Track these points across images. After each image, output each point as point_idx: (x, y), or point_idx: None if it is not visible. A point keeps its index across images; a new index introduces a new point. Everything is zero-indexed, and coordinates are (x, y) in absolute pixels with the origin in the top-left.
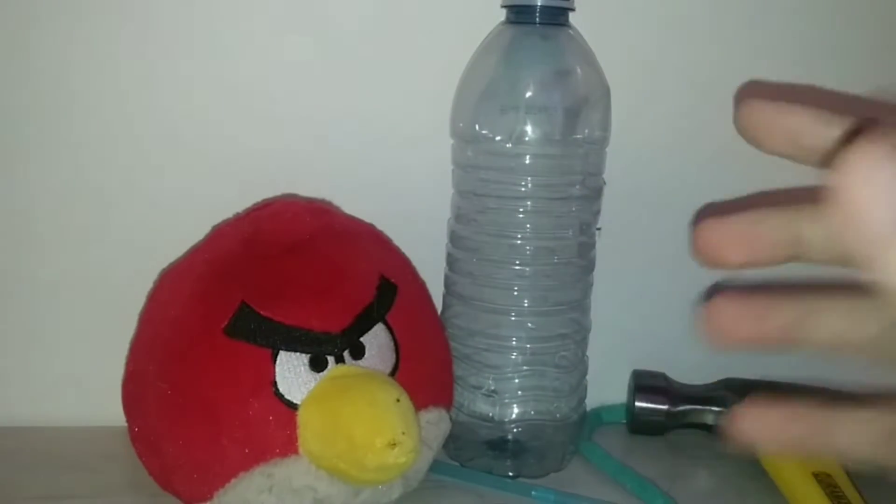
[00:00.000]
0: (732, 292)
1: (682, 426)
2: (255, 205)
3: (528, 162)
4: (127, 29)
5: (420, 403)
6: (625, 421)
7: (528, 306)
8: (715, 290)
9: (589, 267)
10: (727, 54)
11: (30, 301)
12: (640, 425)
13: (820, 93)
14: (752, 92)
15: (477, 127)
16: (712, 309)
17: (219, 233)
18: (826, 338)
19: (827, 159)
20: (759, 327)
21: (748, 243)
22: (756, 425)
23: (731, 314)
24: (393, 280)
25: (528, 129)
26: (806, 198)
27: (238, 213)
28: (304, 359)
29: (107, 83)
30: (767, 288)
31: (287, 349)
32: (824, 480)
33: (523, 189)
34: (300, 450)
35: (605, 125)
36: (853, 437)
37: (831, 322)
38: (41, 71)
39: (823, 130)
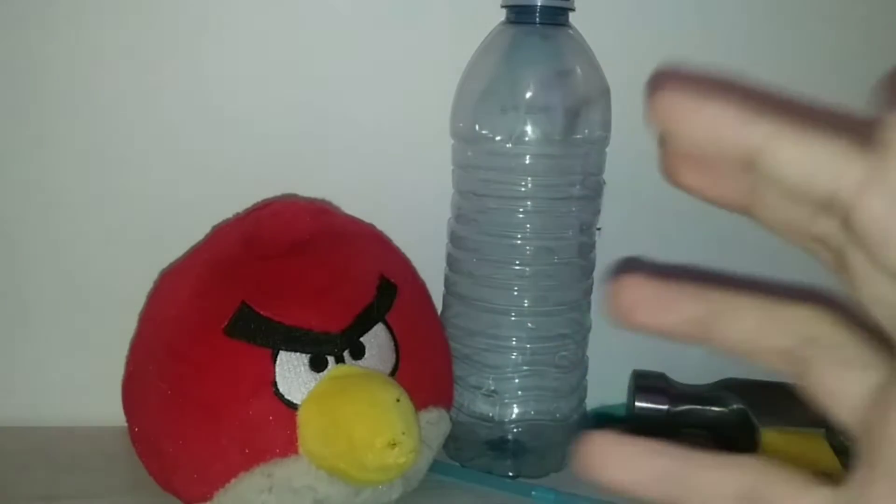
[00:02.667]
0: (643, 273)
1: (682, 426)
2: (255, 205)
3: (528, 162)
4: (126, 29)
5: (420, 403)
6: (625, 421)
7: (528, 306)
8: (626, 267)
9: (589, 267)
10: (727, 54)
11: (30, 301)
12: (640, 425)
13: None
14: (666, 79)
15: (477, 127)
16: (619, 287)
17: (219, 233)
18: (735, 340)
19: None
20: (666, 316)
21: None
22: (605, 460)
23: (638, 296)
24: (393, 280)
25: (528, 129)
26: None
27: (238, 213)
28: (304, 359)
29: (106, 83)
30: (682, 276)
31: (287, 349)
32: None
33: (523, 189)
34: (300, 450)
35: (605, 125)
36: (706, 492)
37: (743, 325)
38: (40, 72)
39: (742, 129)
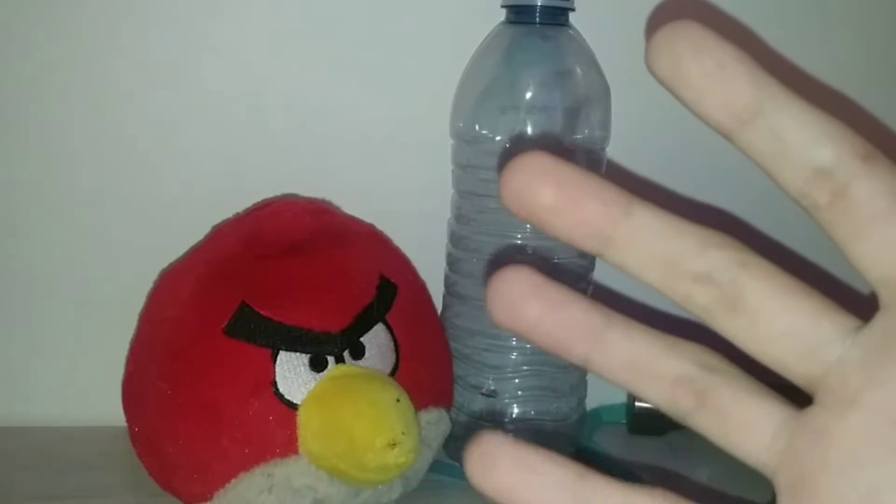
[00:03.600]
0: (529, 268)
1: (682, 426)
2: (255, 205)
3: None
4: (126, 30)
5: (420, 403)
6: (625, 421)
7: None
8: (509, 259)
9: (589, 267)
10: None
11: (30, 301)
12: (640, 425)
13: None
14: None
15: (477, 127)
16: (501, 278)
17: (219, 233)
18: (620, 362)
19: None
20: (549, 318)
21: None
22: (489, 468)
23: (520, 290)
24: (393, 280)
25: (528, 129)
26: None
27: (238, 213)
28: (304, 359)
29: (106, 84)
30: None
31: (287, 349)
32: None
33: None
34: (300, 450)
35: (605, 125)
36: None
37: (633, 346)
38: (40, 73)
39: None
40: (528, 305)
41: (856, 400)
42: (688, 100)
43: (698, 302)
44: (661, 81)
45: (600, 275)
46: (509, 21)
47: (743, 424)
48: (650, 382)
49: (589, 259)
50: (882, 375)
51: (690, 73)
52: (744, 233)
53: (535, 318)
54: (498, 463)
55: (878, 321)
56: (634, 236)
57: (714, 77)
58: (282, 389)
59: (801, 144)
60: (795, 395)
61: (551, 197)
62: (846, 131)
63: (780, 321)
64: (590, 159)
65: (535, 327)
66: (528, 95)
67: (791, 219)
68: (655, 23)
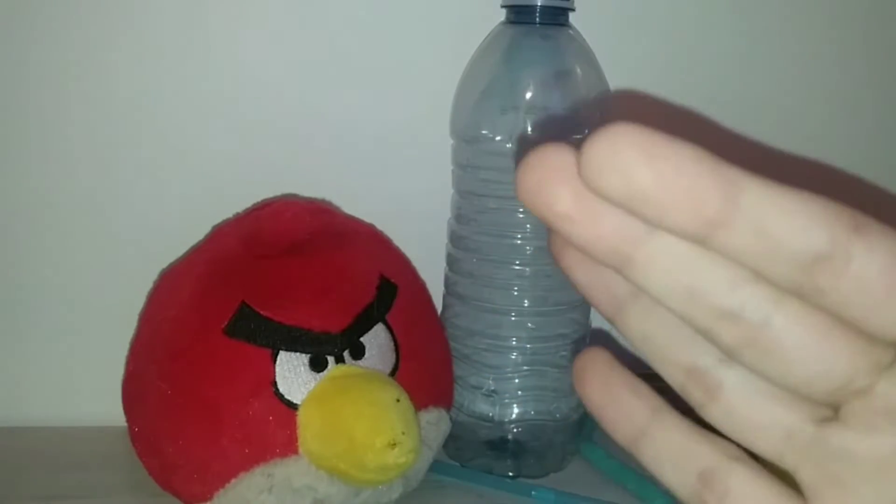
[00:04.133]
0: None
1: None
2: (255, 205)
3: None
4: (126, 31)
5: (420, 403)
6: None
7: (528, 306)
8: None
9: None
10: (727, 54)
11: (30, 301)
12: None
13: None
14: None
15: (477, 127)
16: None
17: (219, 233)
18: (638, 336)
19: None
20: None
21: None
22: (594, 380)
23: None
24: (393, 280)
25: (528, 129)
26: None
27: (238, 213)
28: (304, 359)
29: (106, 85)
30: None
31: (287, 349)
32: None
33: None
34: (300, 450)
35: (605, 125)
36: (672, 459)
37: (645, 324)
38: (40, 73)
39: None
40: (569, 251)
41: (879, 427)
42: (649, 216)
43: (723, 339)
44: (610, 200)
45: None
46: (509, 21)
47: (753, 424)
48: (666, 365)
49: None
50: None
51: (646, 186)
52: None
53: (570, 265)
54: (598, 380)
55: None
56: (657, 260)
57: (675, 185)
58: (282, 389)
59: (791, 235)
60: None
61: (568, 204)
62: (830, 205)
63: (816, 366)
64: None
65: (570, 273)
66: (528, 95)
67: None
68: (582, 123)
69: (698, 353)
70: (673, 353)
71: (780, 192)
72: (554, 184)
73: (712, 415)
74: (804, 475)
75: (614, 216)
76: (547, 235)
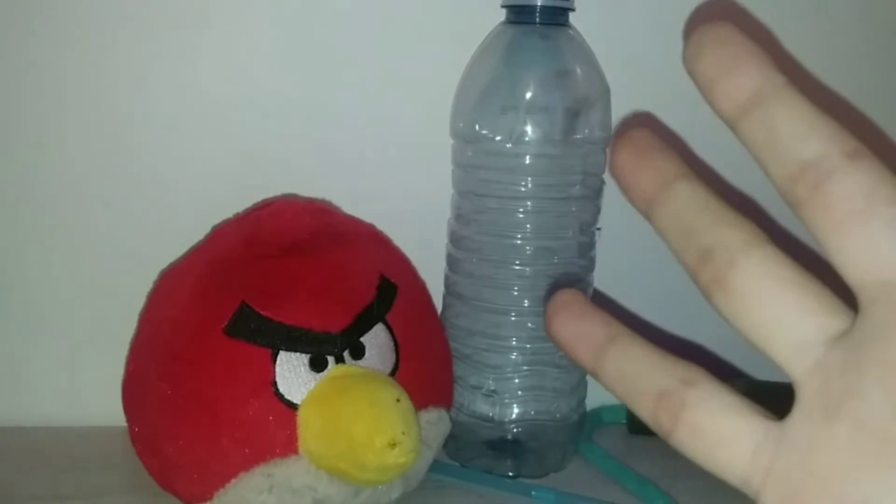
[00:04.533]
0: (574, 291)
1: None
2: (255, 205)
3: (528, 162)
4: (125, 28)
5: (420, 403)
6: (625, 421)
7: (528, 306)
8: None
9: (589, 267)
10: None
11: (30, 301)
12: (640, 425)
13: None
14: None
15: (477, 127)
16: (552, 298)
17: (219, 233)
18: (617, 376)
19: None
20: (574, 328)
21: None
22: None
23: (555, 305)
24: (393, 280)
25: (528, 129)
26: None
27: (238, 213)
28: (304, 359)
29: (105, 84)
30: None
31: (287, 349)
32: None
33: (523, 189)
34: (300, 450)
35: (605, 125)
36: (634, 377)
37: (621, 364)
38: (40, 72)
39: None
40: (554, 317)
41: (838, 410)
42: (701, 88)
43: (699, 280)
44: (687, 70)
45: (600, 280)
46: (509, 21)
47: (720, 440)
48: (638, 398)
49: (588, 259)
50: (862, 385)
51: (707, 61)
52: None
53: (556, 328)
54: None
55: (857, 327)
56: (668, 202)
57: (725, 66)
58: (282, 389)
59: (791, 136)
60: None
61: (626, 158)
62: (839, 129)
63: (766, 310)
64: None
65: (558, 337)
66: (528, 95)
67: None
68: (694, 23)
69: (664, 379)
70: (643, 384)
71: (800, 102)
72: (622, 145)
73: (680, 439)
74: (770, 492)
75: (652, 169)
76: (543, 317)
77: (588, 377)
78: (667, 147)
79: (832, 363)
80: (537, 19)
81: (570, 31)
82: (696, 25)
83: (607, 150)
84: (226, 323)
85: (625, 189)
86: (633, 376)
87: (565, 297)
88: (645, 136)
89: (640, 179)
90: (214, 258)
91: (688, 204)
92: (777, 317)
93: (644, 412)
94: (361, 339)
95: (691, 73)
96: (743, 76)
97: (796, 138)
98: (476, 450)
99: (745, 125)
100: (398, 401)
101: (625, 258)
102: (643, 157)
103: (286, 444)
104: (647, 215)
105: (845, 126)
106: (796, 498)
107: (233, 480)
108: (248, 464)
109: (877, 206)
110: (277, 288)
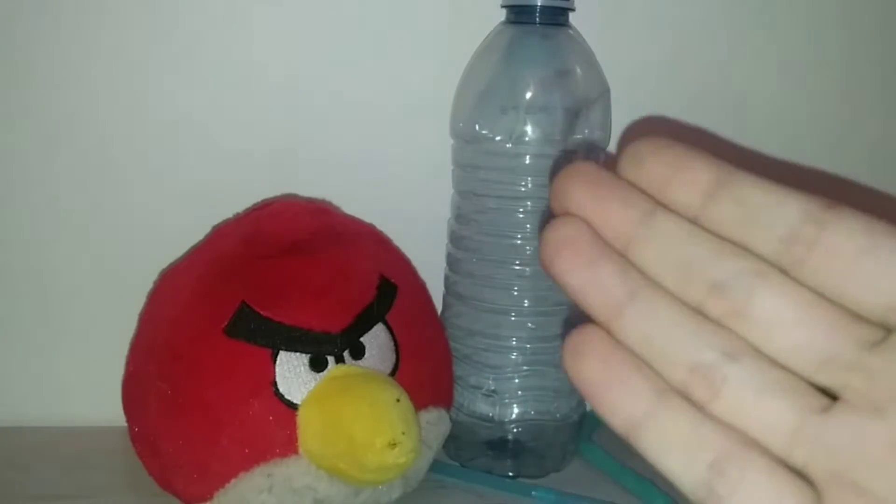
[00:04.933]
0: (576, 220)
1: None
2: (255, 205)
3: (528, 162)
4: (125, 28)
5: (420, 403)
6: None
7: (528, 306)
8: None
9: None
10: (727, 54)
11: (30, 301)
12: None
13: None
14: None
15: (477, 127)
16: (550, 226)
17: (219, 233)
18: (633, 338)
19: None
20: (583, 274)
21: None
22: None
23: (559, 239)
24: (393, 280)
25: (528, 129)
26: None
27: (238, 213)
28: (304, 359)
29: (106, 83)
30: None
31: (287, 349)
32: None
33: (523, 189)
34: (300, 450)
35: (605, 125)
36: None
37: (645, 326)
38: (41, 72)
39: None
40: (560, 254)
41: (885, 408)
42: (656, 188)
43: (711, 312)
44: (630, 178)
45: None
46: (509, 21)
47: (760, 419)
48: (666, 365)
49: None
50: None
51: (653, 167)
52: None
53: (565, 269)
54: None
55: None
56: (653, 237)
57: (674, 165)
58: (282, 389)
59: (768, 207)
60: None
61: (581, 194)
62: (802, 193)
63: (795, 334)
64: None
65: (564, 277)
66: (528, 95)
67: None
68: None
69: (701, 350)
70: (674, 352)
71: (758, 179)
72: (572, 182)
73: (717, 412)
74: (815, 469)
75: (618, 203)
76: (539, 244)
77: None
78: (618, 177)
79: (874, 366)
80: (537, 19)
81: (570, 31)
82: (625, 145)
83: (550, 189)
84: (226, 323)
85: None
86: (661, 341)
87: (567, 230)
88: (593, 169)
89: (610, 217)
90: (214, 258)
91: (677, 237)
92: (805, 340)
93: (671, 379)
94: (361, 339)
95: (634, 178)
96: (695, 170)
97: (775, 207)
98: (476, 450)
99: (714, 208)
100: (398, 401)
101: None
102: (603, 191)
103: (286, 444)
104: (624, 253)
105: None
106: (849, 473)
107: (233, 480)
108: (248, 464)
109: (879, 237)
110: (277, 288)
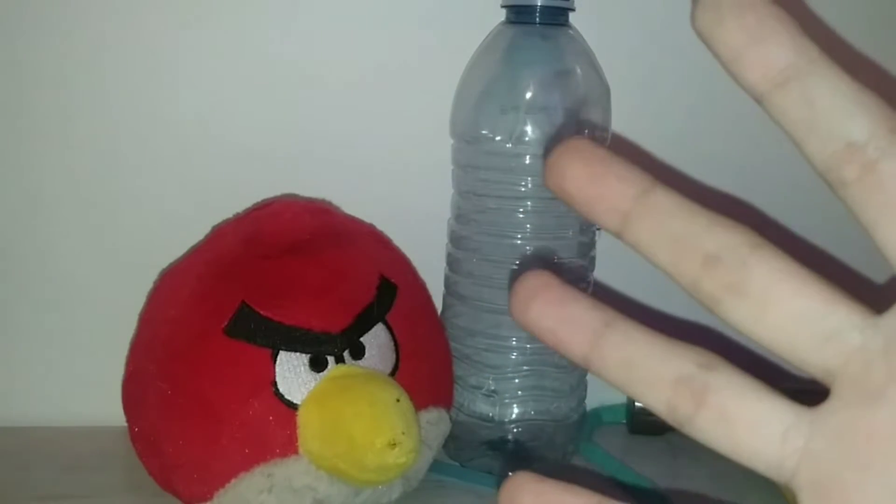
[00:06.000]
0: (544, 272)
1: None
2: (255, 205)
3: (528, 162)
4: (126, 29)
5: (420, 403)
6: (625, 421)
7: None
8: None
9: (588, 267)
10: None
11: (30, 301)
12: (640, 425)
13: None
14: None
15: (477, 127)
16: (520, 279)
17: (219, 233)
18: (618, 362)
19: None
20: (548, 314)
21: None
22: (541, 298)
23: (528, 289)
24: (393, 280)
25: (528, 129)
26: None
27: (238, 213)
28: (304, 359)
29: (106, 83)
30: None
31: (287, 349)
32: None
33: (523, 189)
34: (300, 450)
35: (606, 125)
36: (644, 369)
37: (624, 350)
38: (41, 72)
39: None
40: (532, 304)
41: (882, 393)
42: (724, 58)
43: (705, 288)
44: (701, 38)
45: (600, 280)
46: (509, 21)
47: (749, 425)
48: (648, 385)
49: (588, 259)
50: None
51: (730, 28)
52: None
53: (537, 316)
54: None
55: None
56: (648, 213)
57: (753, 34)
58: (282, 389)
59: (835, 114)
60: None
61: (578, 171)
62: (883, 106)
63: (791, 304)
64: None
65: (537, 325)
66: (528, 95)
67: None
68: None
69: (680, 364)
70: (655, 371)
71: (840, 76)
72: (569, 157)
73: (703, 423)
74: (803, 475)
75: (614, 178)
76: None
77: (588, 377)
78: (614, 154)
79: (873, 347)
80: (537, 19)
81: (570, 31)
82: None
83: (544, 165)
84: (226, 323)
85: (584, 204)
86: (641, 362)
87: (538, 279)
88: (590, 145)
89: (607, 192)
90: (214, 258)
91: (673, 212)
92: (803, 311)
93: (655, 400)
94: (361, 339)
95: (707, 39)
96: (773, 46)
97: (840, 116)
98: (476, 450)
99: (779, 100)
100: (398, 401)
101: (625, 258)
102: (601, 167)
103: (286, 444)
104: (620, 230)
105: (886, 100)
106: (835, 481)
107: (233, 480)
108: (248, 464)
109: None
110: (277, 288)
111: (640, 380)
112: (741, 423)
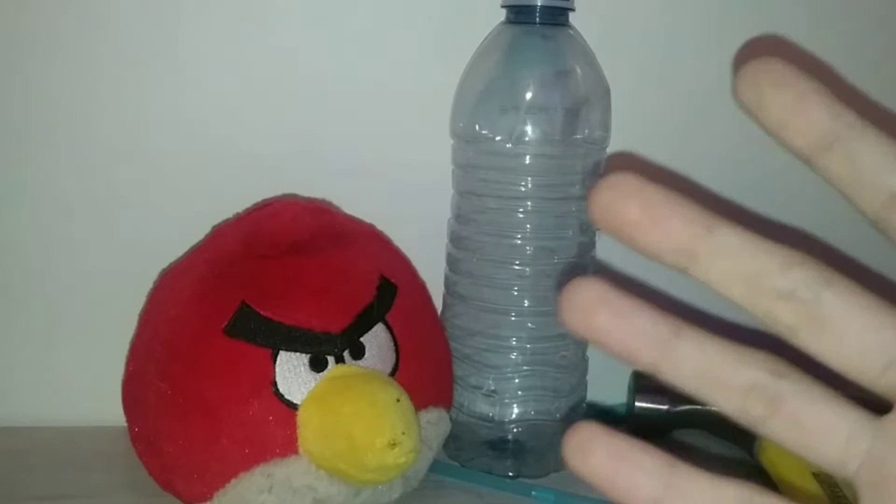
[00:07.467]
0: (599, 280)
1: (682, 426)
2: (255, 205)
3: (528, 162)
4: (126, 29)
5: (420, 403)
6: (625, 421)
7: (528, 306)
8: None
9: (589, 267)
10: (728, 54)
11: (30, 301)
12: (640, 425)
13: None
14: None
15: (477, 127)
16: (573, 288)
17: (219, 233)
18: (690, 371)
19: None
20: (617, 326)
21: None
22: (591, 449)
23: (590, 300)
24: (393, 280)
25: (528, 129)
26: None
27: (238, 213)
28: (304, 359)
29: (106, 83)
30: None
31: (287, 349)
32: (824, 480)
33: (523, 189)
34: (300, 450)
35: (605, 125)
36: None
37: (697, 359)
38: (41, 72)
39: (828, 122)
40: (597, 314)
41: None
42: (770, 129)
43: (782, 319)
44: (746, 111)
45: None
46: (509, 21)
47: (817, 428)
48: (721, 391)
49: (588, 259)
50: None
51: (772, 104)
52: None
53: (603, 327)
54: (594, 452)
55: None
56: (717, 252)
57: (794, 108)
58: (282, 389)
59: (876, 169)
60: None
61: (637, 213)
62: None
63: (867, 337)
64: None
65: (604, 335)
66: (528, 95)
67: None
68: (741, 59)
69: (753, 372)
70: (729, 378)
71: (877, 135)
72: (624, 199)
73: (776, 426)
74: (864, 475)
75: (677, 219)
76: (560, 321)
77: (588, 377)
78: (666, 189)
79: None
80: (537, 19)
81: (570, 31)
82: (744, 60)
83: (589, 201)
84: (226, 323)
85: (647, 246)
86: (715, 371)
87: (595, 289)
88: (641, 184)
89: (670, 233)
90: (214, 258)
91: (742, 250)
92: (878, 342)
93: (728, 404)
94: (361, 339)
95: (751, 113)
96: (814, 117)
97: (882, 171)
98: (476, 450)
99: (825, 161)
100: (398, 401)
101: (625, 258)
102: (661, 210)
103: (286, 444)
104: (686, 268)
105: None
106: (894, 482)
107: (233, 480)
108: (248, 464)
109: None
110: (277, 288)
111: (714, 387)
112: (811, 428)
